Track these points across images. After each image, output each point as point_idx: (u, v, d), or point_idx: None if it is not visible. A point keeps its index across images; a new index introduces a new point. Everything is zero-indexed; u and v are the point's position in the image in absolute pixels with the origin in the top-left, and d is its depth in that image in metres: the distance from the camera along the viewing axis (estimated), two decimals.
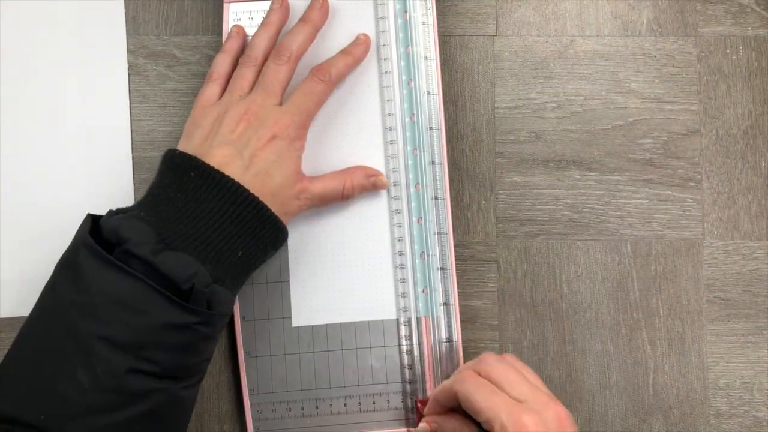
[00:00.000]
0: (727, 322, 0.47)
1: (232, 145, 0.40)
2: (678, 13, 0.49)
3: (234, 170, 0.39)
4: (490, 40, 0.49)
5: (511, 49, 0.49)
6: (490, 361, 0.40)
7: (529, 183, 0.48)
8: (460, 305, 0.47)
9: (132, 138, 0.48)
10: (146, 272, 0.35)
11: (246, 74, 0.43)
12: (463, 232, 0.48)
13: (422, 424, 0.42)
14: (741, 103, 0.48)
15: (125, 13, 0.48)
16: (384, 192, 0.46)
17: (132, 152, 0.47)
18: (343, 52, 0.45)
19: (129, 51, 0.48)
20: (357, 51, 0.45)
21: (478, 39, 0.49)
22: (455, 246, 0.46)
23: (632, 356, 0.47)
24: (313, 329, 0.45)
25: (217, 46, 0.48)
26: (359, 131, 0.46)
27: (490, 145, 0.48)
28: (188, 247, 0.37)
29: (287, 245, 0.45)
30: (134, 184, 0.47)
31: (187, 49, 0.48)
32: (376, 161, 0.46)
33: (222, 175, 0.39)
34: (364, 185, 0.45)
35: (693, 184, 0.48)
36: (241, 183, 0.39)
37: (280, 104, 0.42)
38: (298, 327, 0.45)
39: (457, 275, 0.46)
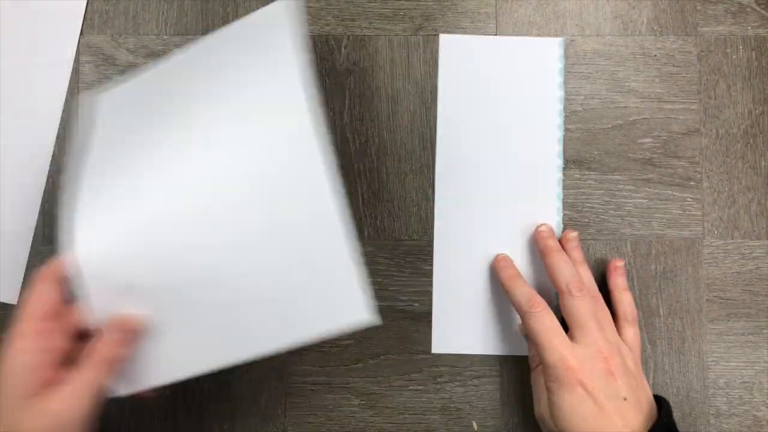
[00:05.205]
0: (727, 322, 0.47)
1: None
2: (678, 13, 0.49)
3: None
4: None
5: None
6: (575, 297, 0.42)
7: None
8: None
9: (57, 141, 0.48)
10: None
11: None
12: None
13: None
14: (741, 103, 0.48)
15: (128, 12, 0.48)
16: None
17: (52, 154, 0.47)
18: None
19: (129, 51, 0.48)
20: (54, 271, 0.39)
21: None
22: None
23: None
24: None
25: None
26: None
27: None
28: None
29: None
30: (46, 185, 0.47)
31: None
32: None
33: None
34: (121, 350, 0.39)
35: (693, 183, 0.48)
36: None
37: None
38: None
39: None
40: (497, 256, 0.46)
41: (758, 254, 0.47)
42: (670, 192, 0.48)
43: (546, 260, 0.44)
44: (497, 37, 0.48)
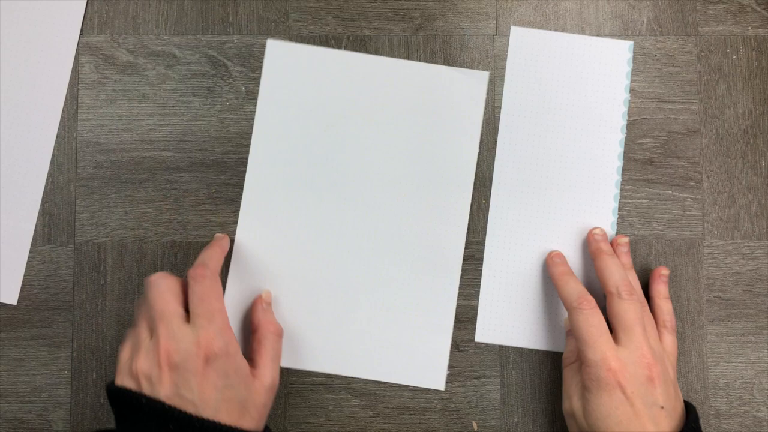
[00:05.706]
0: (727, 322, 0.47)
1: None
2: (678, 13, 0.49)
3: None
4: (490, 39, 0.49)
5: None
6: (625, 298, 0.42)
7: None
8: (460, 305, 0.47)
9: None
10: None
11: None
12: None
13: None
14: (741, 103, 0.48)
15: (128, 12, 0.48)
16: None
17: (52, 153, 0.48)
18: (211, 245, 0.44)
19: (129, 51, 0.48)
20: (224, 243, 0.45)
21: (478, 39, 0.49)
22: None
23: None
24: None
25: (217, 46, 0.48)
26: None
27: (490, 145, 0.48)
28: None
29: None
30: (45, 186, 0.47)
31: (187, 48, 0.48)
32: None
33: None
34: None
35: (693, 183, 0.48)
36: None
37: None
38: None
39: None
40: (551, 252, 0.46)
41: (758, 254, 0.47)
42: (670, 192, 0.48)
43: (597, 262, 0.44)
44: (568, 34, 0.48)
